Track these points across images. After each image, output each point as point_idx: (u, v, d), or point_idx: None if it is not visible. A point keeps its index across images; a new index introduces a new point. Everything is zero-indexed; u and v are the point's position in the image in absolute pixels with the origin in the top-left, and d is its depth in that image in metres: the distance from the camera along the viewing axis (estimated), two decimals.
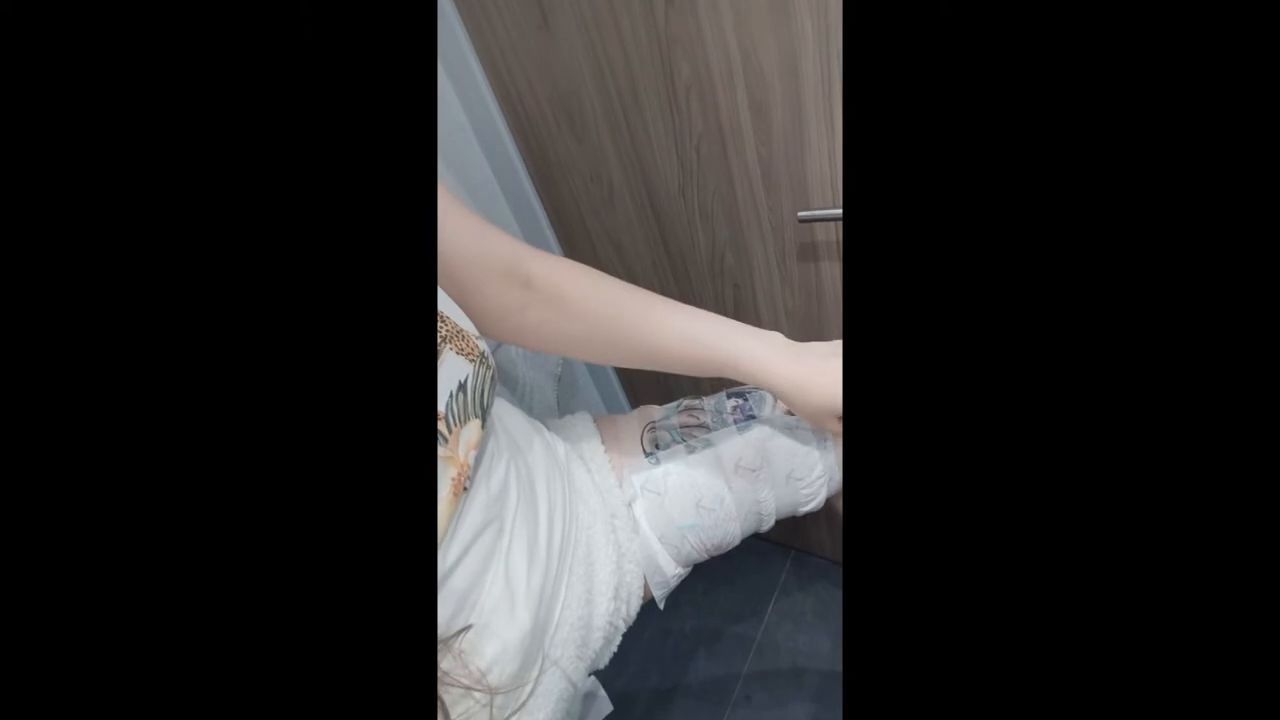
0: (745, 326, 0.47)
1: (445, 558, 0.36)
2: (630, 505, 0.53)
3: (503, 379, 0.90)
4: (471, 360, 0.39)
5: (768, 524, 0.57)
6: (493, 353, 0.43)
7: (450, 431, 0.36)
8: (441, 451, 0.35)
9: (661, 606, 0.56)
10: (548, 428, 0.56)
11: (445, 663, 0.35)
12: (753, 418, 0.53)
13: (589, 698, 0.55)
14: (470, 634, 0.37)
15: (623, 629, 0.52)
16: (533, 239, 1.03)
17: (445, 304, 0.39)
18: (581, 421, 0.59)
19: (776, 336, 0.47)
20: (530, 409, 0.98)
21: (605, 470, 0.54)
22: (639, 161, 0.82)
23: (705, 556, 0.55)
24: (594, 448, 0.55)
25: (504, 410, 0.54)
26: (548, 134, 0.86)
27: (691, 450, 0.54)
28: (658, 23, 0.67)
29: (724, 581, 1.29)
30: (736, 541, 0.55)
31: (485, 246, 0.44)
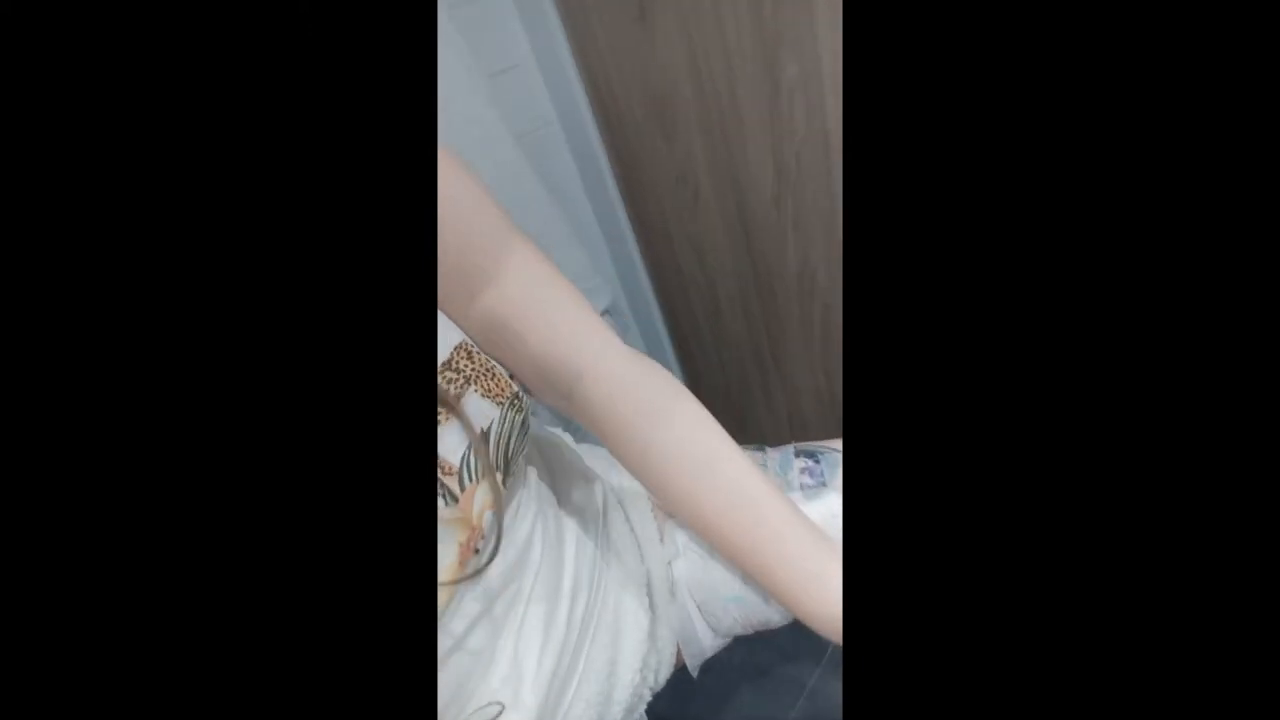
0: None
1: (448, 631, 0.32)
2: (670, 564, 0.47)
3: None
4: (500, 403, 0.34)
5: None
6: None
7: (463, 490, 0.32)
8: (448, 513, 0.31)
9: (695, 675, 0.51)
10: (590, 460, 0.51)
11: None
12: (823, 484, 0.46)
13: (627, 714, 0.51)
14: (471, 716, 0.33)
15: (648, 698, 0.47)
16: (612, 241, 0.98)
17: None
18: None
19: None
20: None
21: (647, 520, 0.48)
22: (730, 165, 0.75)
23: (749, 632, 0.49)
24: (636, 493, 0.50)
25: (547, 442, 0.50)
26: (635, 131, 0.81)
27: None
28: (764, 16, 0.59)
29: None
30: (790, 619, 0.49)
31: (556, 339, 0.35)
